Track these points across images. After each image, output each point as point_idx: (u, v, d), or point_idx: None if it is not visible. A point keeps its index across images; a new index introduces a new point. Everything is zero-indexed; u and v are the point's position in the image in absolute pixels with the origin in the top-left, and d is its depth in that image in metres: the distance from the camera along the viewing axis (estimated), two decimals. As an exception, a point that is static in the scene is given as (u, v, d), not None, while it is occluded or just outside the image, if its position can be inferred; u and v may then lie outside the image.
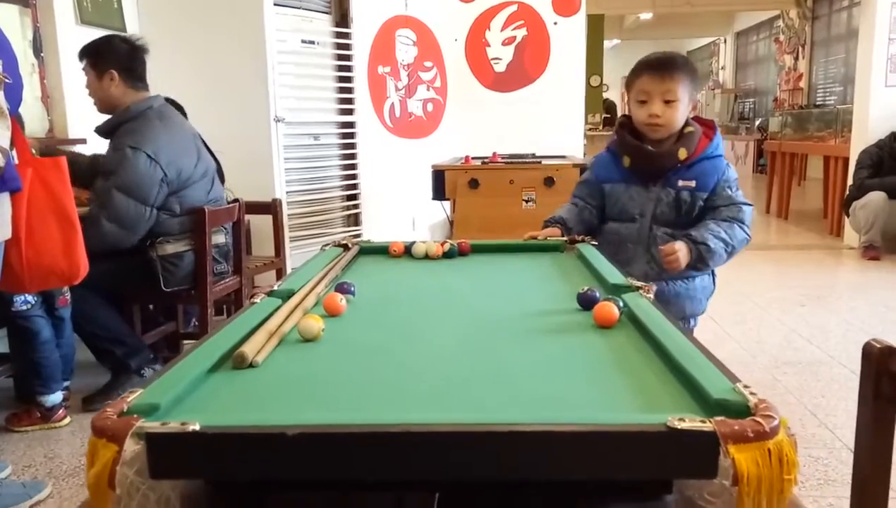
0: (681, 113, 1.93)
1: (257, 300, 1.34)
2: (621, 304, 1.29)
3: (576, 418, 0.78)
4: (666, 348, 1.03)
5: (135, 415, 0.78)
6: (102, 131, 2.89)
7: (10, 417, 2.66)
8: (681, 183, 1.97)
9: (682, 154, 1.95)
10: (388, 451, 0.77)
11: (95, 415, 0.79)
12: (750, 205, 2.00)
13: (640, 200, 2.02)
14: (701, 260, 1.89)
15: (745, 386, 0.85)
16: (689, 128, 1.96)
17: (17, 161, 2.08)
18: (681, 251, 1.86)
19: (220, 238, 3.10)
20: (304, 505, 0.88)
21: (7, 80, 1.94)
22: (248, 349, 1.04)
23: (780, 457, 0.75)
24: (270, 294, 1.40)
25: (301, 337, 1.17)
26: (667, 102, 1.90)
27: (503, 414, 0.85)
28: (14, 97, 2.02)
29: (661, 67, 1.91)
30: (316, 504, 0.88)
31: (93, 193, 2.78)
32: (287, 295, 1.38)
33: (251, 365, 1.03)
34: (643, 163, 2.01)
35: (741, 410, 0.80)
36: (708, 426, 0.75)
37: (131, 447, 0.75)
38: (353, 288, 1.44)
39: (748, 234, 1.97)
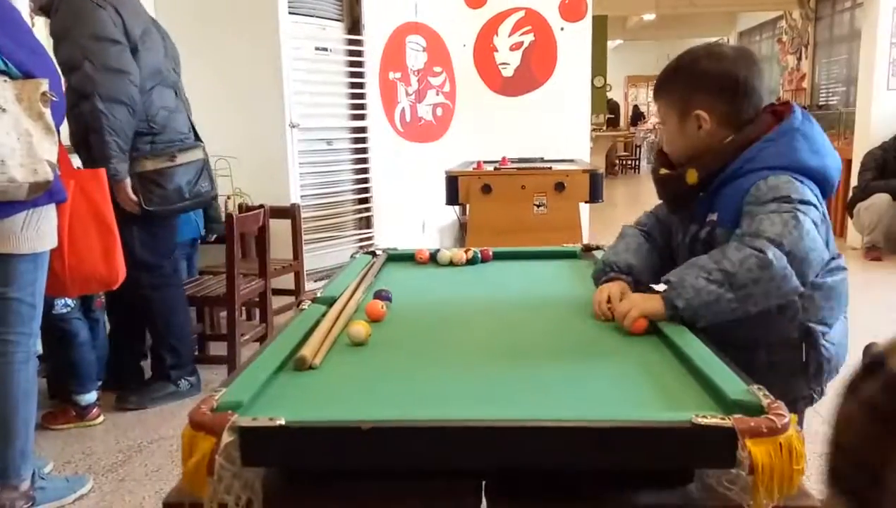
0: (670, 136, 1.54)
1: (305, 306, 1.46)
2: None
3: (611, 415, 0.89)
4: (685, 353, 1.14)
5: (228, 411, 0.89)
6: (39, 7, 2.78)
7: (46, 415, 2.78)
8: (708, 217, 1.48)
9: (692, 176, 1.47)
10: (449, 443, 0.88)
11: (192, 411, 0.90)
12: (777, 243, 1.29)
13: (678, 237, 1.60)
14: (671, 306, 1.30)
15: (759, 388, 0.96)
16: (710, 140, 1.48)
17: (59, 173, 2.20)
18: (622, 302, 1.37)
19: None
20: (364, 491, 0.99)
21: (54, 99, 2.05)
22: (308, 352, 1.16)
23: (790, 450, 0.86)
24: (315, 300, 1.51)
25: (351, 341, 1.28)
26: (662, 123, 1.58)
27: (547, 410, 0.96)
28: (58, 114, 2.13)
29: (654, 90, 1.59)
30: (374, 490, 0.99)
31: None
32: (330, 302, 1.49)
33: (311, 367, 1.14)
34: (659, 192, 1.61)
35: (755, 409, 0.91)
36: (727, 422, 0.86)
37: (226, 438, 0.86)
38: (390, 295, 1.55)
39: (768, 256, 1.27)
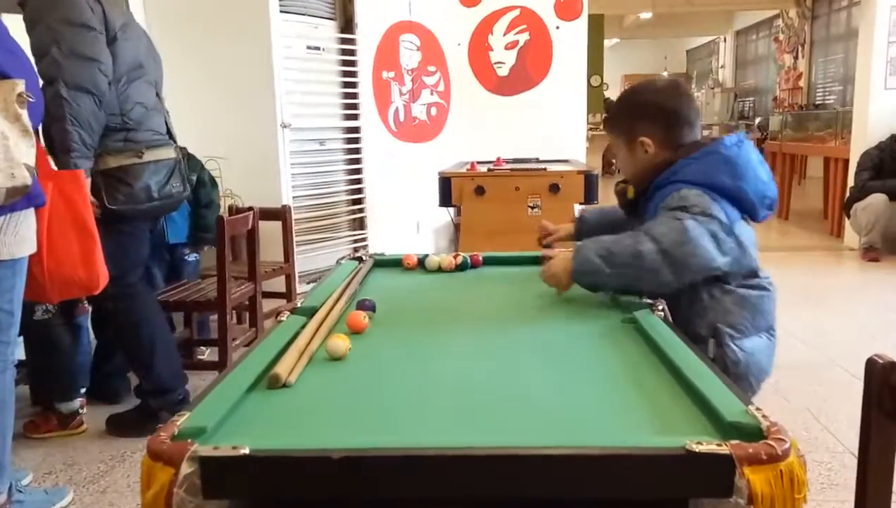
0: (623, 162, 1.78)
1: (283, 318, 1.40)
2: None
3: (600, 441, 0.84)
4: (679, 368, 1.08)
5: (188, 439, 0.83)
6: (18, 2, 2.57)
7: (28, 424, 2.71)
8: (645, 218, 1.71)
9: (630, 192, 1.79)
10: (425, 473, 0.82)
11: (150, 439, 0.84)
12: (656, 241, 1.51)
13: None
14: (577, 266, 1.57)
15: (758, 409, 0.90)
16: (656, 161, 1.70)
17: (38, 175, 2.13)
18: (554, 261, 1.64)
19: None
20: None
21: (30, 99, 1.99)
22: (282, 369, 1.10)
23: (791, 478, 0.81)
24: (294, 311, 1.45)
25: (329, 356, 1.22)
26: (617, 154, 1.83)
27: (532, 437, 0.90)
28: (36, 114, 2.07)
29: (604, 123, 1.88)
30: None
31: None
32: (311, 313, 1.43)
33: (285, 385, 1.08)
34: (618, 202, 1.91)
35: (754, 432, 0.85)
36: (724, 449, 0.80)
37: (185, 469, 0.80)
38: (374, 305, 1.49)
39: (642, 249, 1.51)
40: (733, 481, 0.80)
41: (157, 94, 2.82)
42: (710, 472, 0.80)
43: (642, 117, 1.71)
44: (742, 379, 1.61)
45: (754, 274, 1.66)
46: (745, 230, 1.64)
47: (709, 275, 1.58)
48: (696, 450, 0.80)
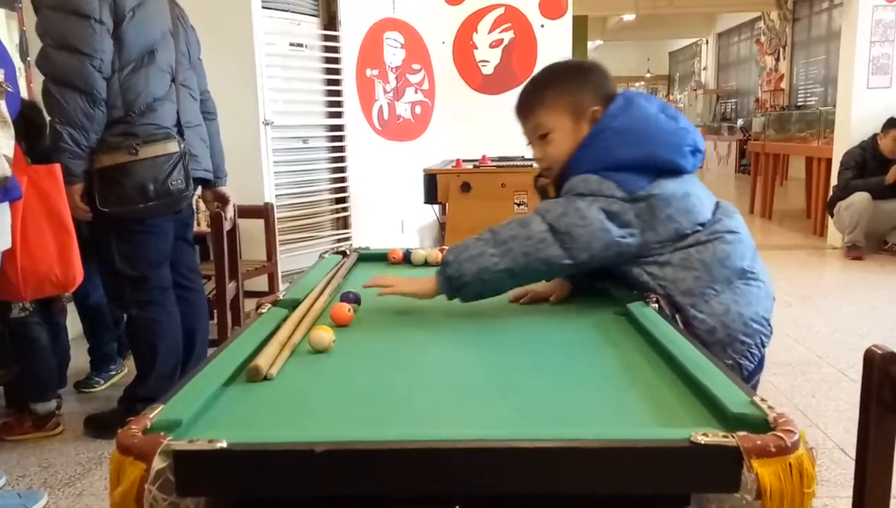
0: (561, 142, 1.51)
1: (264, 310, 1.34)
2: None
3: (598, 434, 0.79)
4: (678, 360, 1.04)
5: (161, 433, 0.78)
6: None
7: (2, 426, 2.63)
8: None
9: (552, 191, 1.58)
10: (413, 467, 0.77)
11: (120, 432, 0.79)
12: (541, 214, 1.42)
13: None
14: (443, 265, 1.43)
15: (763, 400, 0.86)
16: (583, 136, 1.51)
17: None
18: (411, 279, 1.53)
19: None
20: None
21: (9, 89, 1.93)
22: (262, 362, 1.04)
23: (800, 471, 0.77)
24: (276, 303, 1.40)
25: (312, 348, 1.17)
26: (542, 137, 1.53)
27: (525, 429, 0.86)
28: (13, 106, 2.00)
29: (520, 108, 1.58)
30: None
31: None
32: (293, 305, 1.38)
33: (266, 378, 1.03)
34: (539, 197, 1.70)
35: (760, 424, 0.81)
36: (731, 441, 0.76)
37: (158, 464, 0.75)
38: (358, 297, 1.44)
39: (528, 217, 1.42)
40: (741, 475, 0.75)
41: (173, 80, 2.59)
42: (717, 466, 0.76)
43: (588, 85, 1.52)
44: (728, 345, 1.44)
45: (686, 234, 1.44)
46: (670, 188, 1.43)
47: (618, 252, 1.41)
48: (702, 442, 0.76)
